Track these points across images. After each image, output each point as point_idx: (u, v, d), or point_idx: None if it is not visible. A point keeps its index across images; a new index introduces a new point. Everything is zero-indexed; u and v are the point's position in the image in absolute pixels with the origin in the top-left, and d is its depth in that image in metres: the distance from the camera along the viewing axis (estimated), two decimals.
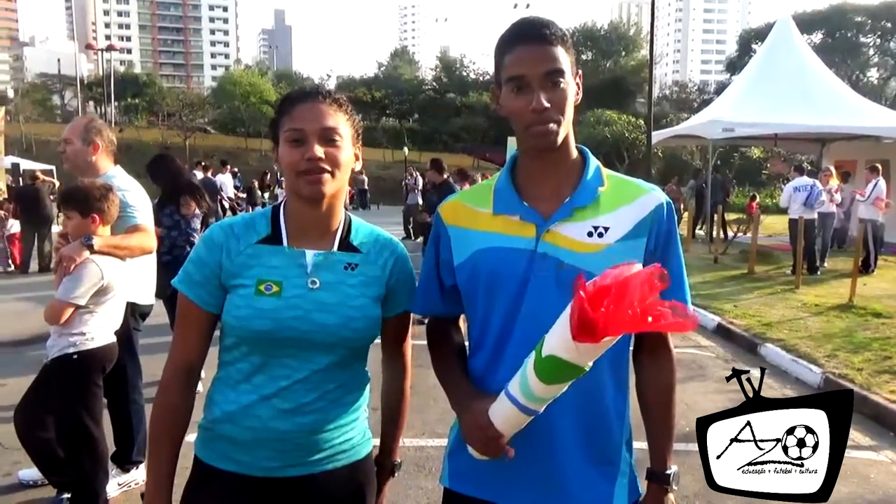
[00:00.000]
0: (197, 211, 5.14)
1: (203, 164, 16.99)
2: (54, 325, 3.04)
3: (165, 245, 4.91)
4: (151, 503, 1.54)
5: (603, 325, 1.13)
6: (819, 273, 11.28)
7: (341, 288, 1.53)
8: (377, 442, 1.75)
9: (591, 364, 1.25)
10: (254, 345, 1.50)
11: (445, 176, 8.92)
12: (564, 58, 1.40)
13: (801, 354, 6.31)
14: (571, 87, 1.43)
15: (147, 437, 1.59)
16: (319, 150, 1.46)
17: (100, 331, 3.12)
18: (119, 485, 3.62)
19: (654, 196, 1.49)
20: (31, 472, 3.58)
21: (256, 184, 19.86)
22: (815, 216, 11.39)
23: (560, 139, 1.43)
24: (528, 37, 1.40)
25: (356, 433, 1.62)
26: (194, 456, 1.58)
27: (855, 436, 4.65)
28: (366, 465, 1.65)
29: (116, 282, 3.13)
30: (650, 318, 1.14)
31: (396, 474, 1.81)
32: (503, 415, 1.35)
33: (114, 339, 3.22)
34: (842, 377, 5.61)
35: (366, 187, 29.48)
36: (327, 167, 1.47)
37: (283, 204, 1.59)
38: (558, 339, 1.22)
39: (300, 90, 1.55)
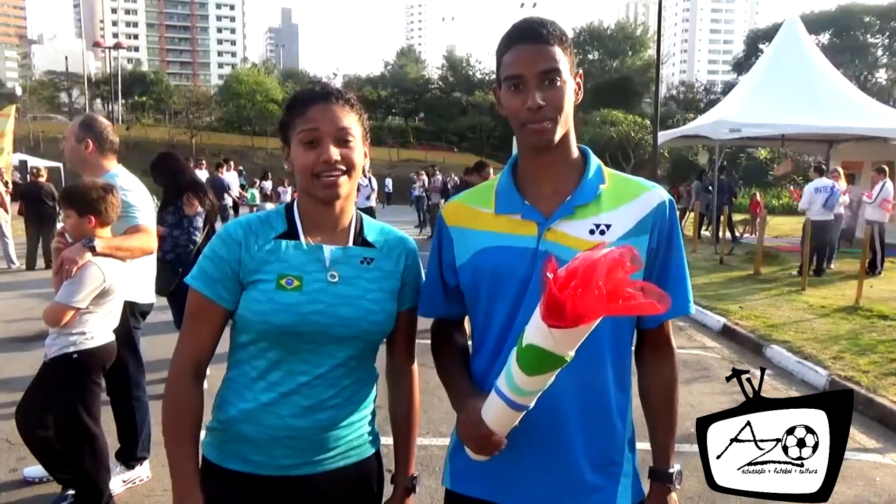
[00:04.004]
0: (200, 209, 5.14)
1: (200, 161, 17.06)
2: (54, 327, 3.04)
3: (168, 243, 4.92)
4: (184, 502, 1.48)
5: (571, 307, 1.11)
6: (823, 275, 11.23)
7: (359, 282, 1.54)
8: (386, 441, 1.74)
9: (571, 354, 1.23)
10: (274, 340, 1.50)
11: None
12: (562, 57, 1.41)
13: (806, 356, 6.29)
14: (569, 86, 1.43)
15: (164, 441, 1.53)
16: (335, 153, 1.48)
17: (99, 330, 3.12)
18: (123, 482, 3.64)
19: (655, 194, 1.49)
20: (36, 470, 3.60)
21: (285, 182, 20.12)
22: (832, 217, 11.39)
23: (556, 137, 1.43)
24: (525, 37, 1.41)
25: (366, 430, 1.63)
26: (202, 457, 1.57)
27: (861, 438, 4.63)
28: (373, 462, 1.67)
29: (117, 284, 3.13)
30: (621, 301, 1.11)
31: (418, 489, 1.73)
32: (493, 411, 1.34)
33: (113, 337, 3.23)
34: (848, 379, 5.59)
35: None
36: (342, 168, 1.49)
37: (295, 202, 1.60)
38: (535, 328, 1.21)
39: (311, 90, 1.55)
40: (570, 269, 1.14)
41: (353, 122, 1.53)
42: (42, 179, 12.49)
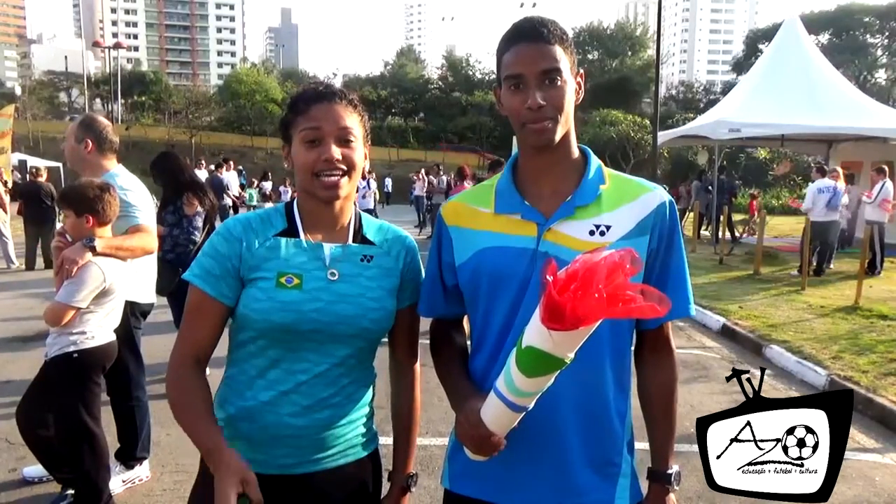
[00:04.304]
0: (199, 209, 5.14)
1: (200, 162, 17.08)
2: (54, 327, 3.04)
3: (168, 243, 4.92)
4: (233, 466, 1.36)
5: (571, 310, 1.10)
6: (823, 275, 11.21)
7: (359, 280, 1.55)
8: (385, 441, 1.74)
9: (571, 356, 1.22)
10: (274, 338, 1.50)
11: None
12: (563, 56, 1.40)
13: (806, 356, 6.30)
14: (570, 85, 1.42)
15: (181, 425, 1.47)
16: (337, 152, 1.49)
17: (100, 330, 3.12)
18: (123, 481, 3.64)
19: (656, 194, 1.48)
20: (35, 469, 3.60)
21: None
22: (836, 217, 11.39)
23: (557, 137, 1.43)
24: (526, 36, 1.41)
25: (364, 429, 1.64)
26: (201, 458, 1.55)
27: (860, 438, 4.64)
28: (372, 461, 1.67)
29: (118, 283, 3.13)
30: (621, 304, 1.10)
31: (413, 489, 1.72)
32: (493, 412, 1.34)
33: (113, 337, 3.23)
34: (847, 379, 5.60)
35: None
36: (343, 167, 1.50)
37: (295, 200, 1.60)
38: (534, 329, 1.20)
39: (313, 90, 1.55)
40: (570, 271, 1.13)
41: (355, 122, 1.53)
42: (41, 179, 12.48)
